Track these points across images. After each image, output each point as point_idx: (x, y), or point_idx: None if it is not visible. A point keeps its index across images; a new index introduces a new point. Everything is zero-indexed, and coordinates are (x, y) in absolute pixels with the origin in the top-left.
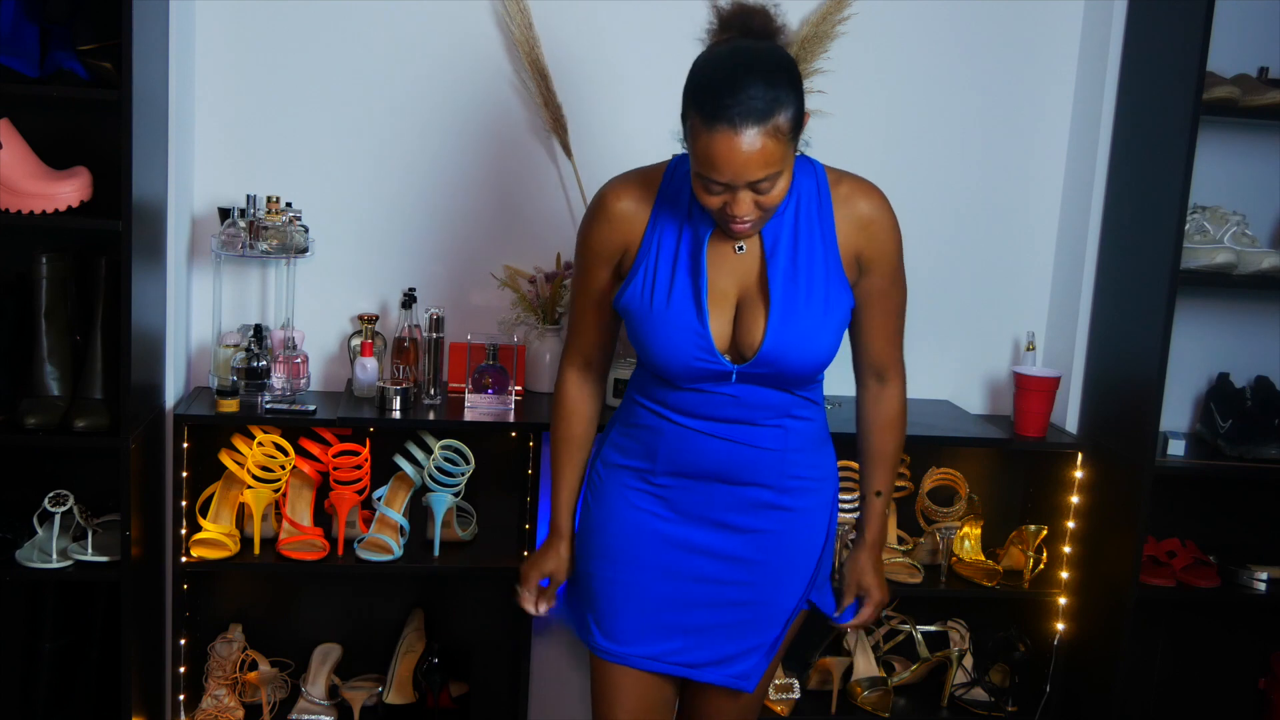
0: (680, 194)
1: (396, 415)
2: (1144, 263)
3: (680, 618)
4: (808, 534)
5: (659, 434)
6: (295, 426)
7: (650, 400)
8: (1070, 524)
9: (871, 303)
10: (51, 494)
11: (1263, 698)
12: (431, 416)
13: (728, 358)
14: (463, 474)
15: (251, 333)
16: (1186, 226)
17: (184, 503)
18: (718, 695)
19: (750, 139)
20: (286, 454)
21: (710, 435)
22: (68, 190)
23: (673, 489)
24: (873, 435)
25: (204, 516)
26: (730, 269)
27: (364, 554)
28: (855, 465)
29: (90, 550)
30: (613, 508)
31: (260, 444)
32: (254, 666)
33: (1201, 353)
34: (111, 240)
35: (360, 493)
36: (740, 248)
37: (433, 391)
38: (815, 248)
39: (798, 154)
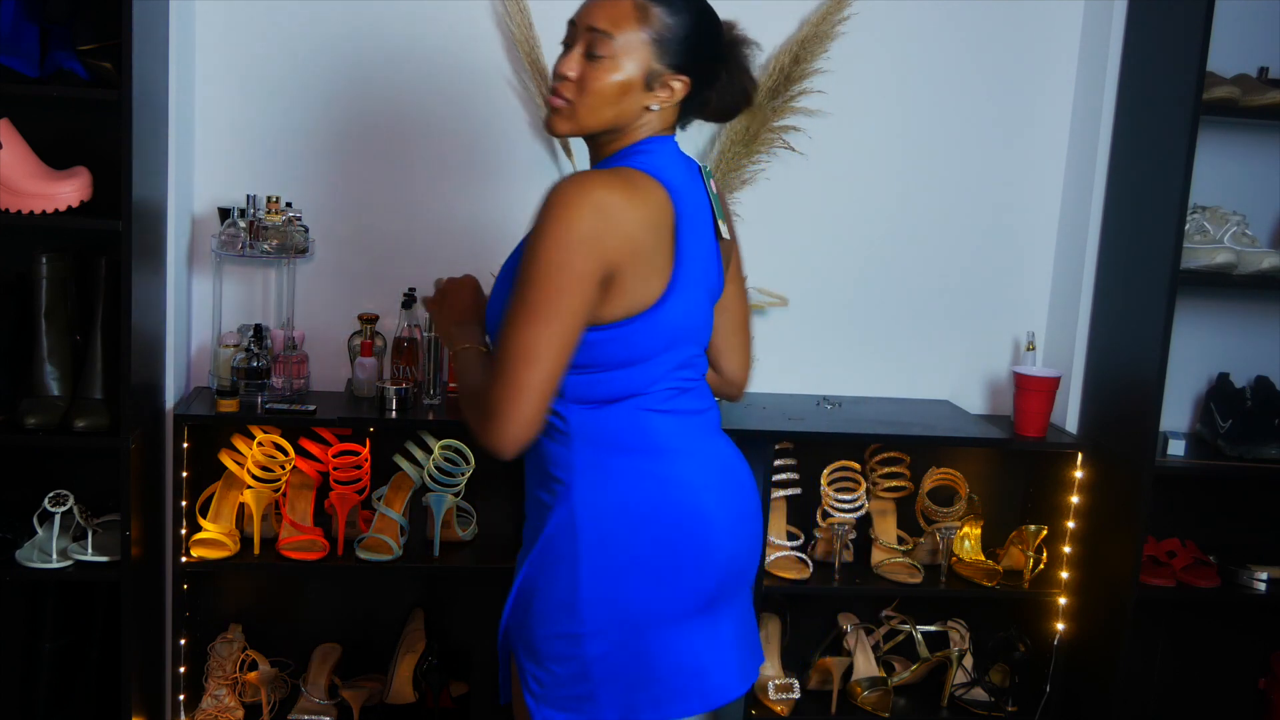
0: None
1: (396, 415)
2: (1144, 263)
3: None
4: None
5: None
6: (295, 426)
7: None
8: (1070, 524)
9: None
10: (51, 494)
11: (1263, 698)
12: (431, 416)
13: None
14: (462, 474)
15: (251, 333)
16: (1186, 226)
17: (184, 503)
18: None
19: None
20: (286, 454)
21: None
22: (68, 190)
23: None
24: None
25: (204, 516)
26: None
27: (364, 554)
28: (855, 465)
29: (90, 550)
30: None
31: (260, 444)
32: (254, 666)
33: (1201, 353)
34: (111, 240)
35: (360, 493)
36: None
37: (432, 391)
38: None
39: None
